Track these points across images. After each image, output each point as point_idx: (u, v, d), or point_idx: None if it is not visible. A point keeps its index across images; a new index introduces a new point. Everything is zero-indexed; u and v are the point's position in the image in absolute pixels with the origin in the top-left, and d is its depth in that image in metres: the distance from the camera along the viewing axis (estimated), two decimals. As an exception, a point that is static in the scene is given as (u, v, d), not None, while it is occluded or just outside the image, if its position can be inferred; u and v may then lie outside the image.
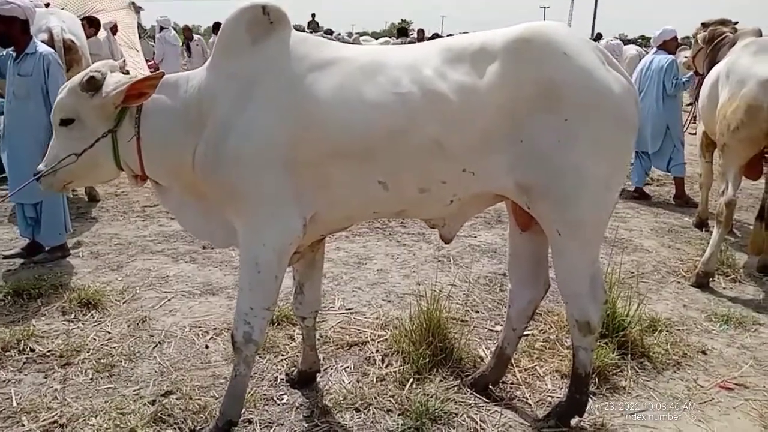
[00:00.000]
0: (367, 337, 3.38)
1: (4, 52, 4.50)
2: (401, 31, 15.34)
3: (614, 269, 3.59)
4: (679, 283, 4.38)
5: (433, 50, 2.33)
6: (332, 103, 2.23)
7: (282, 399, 2.82)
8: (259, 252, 2.34)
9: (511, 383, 2.96)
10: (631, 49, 12.80)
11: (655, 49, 6.94)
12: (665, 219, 6.07)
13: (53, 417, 2.62)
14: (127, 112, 2.34)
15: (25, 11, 4.23)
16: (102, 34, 9.10)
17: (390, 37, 20.15)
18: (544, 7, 71.76)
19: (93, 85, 2.29)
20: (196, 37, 13.31)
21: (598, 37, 18.75)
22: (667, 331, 3.51)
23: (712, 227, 4.60)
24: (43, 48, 4.36)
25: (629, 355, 3.15)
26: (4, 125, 4.47)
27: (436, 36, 13.85)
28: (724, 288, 4.30)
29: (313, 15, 21.37)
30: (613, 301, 3.31)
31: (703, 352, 3.34)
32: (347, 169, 2.28)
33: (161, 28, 13.17)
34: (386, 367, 3.08)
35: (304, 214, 2.34)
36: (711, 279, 4.33)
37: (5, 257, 4.51)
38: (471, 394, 2.85)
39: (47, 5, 7.91)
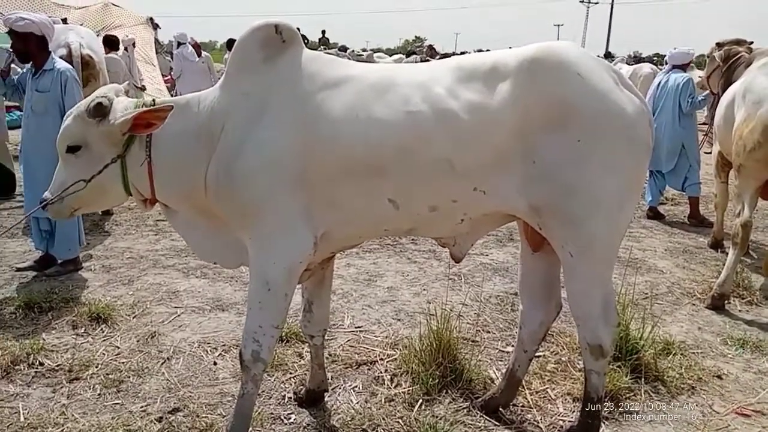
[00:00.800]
0: (376, 356, 3.35)
1: (24, 69, 4.57)
2: (410, 53, 15.41)
3: (628, 290, 3.54)
4: (693, 305, 4.31)
5: (445, 69, 2.33)
6: (343, 120, 2.23)
7: (289, 418, 2.79)
8: (269, 270, 2.33)
9: (522, 406, 2.91)
10: (646, 68, 12.74)
11: (669, 67, 6.89)
12: (680, 239, 6.00)
13: (60, 433, 2.61)
14: (136, 137, 2.34)
15: (41, 28, 4.29)
16: (121, 49, 9.26)
17: (403, 54, 20.26)
18: (558, 25, 72.07)
19: (100, 111, 2.30)
20: (203, 54, 13.34)
21: (607, 56, 18.76)
22: (681, 354, 3.45)
23: (728, 248, 4.54)
24: (61, 64, 4.42)
25: (643, 379, 3.08)
26: (22, 140, 4.53)
27: (445, 56, 13.85)
28: (739, 311, 4.22)
29: (323, 32, 21.53)
30: (626, 323, 3.26)
31: (719, 377, 3.27)
32: (357, 187, 2.27)
33: (179, 44, 13.30)
34: (395, 387, 3.04)
35: (314, 232, 2.34)
36: (726, 301, 4.25)
37: (18, 270, 4.55)
38: (481, 416, 2.80)
39: (64, 21, 8.07)
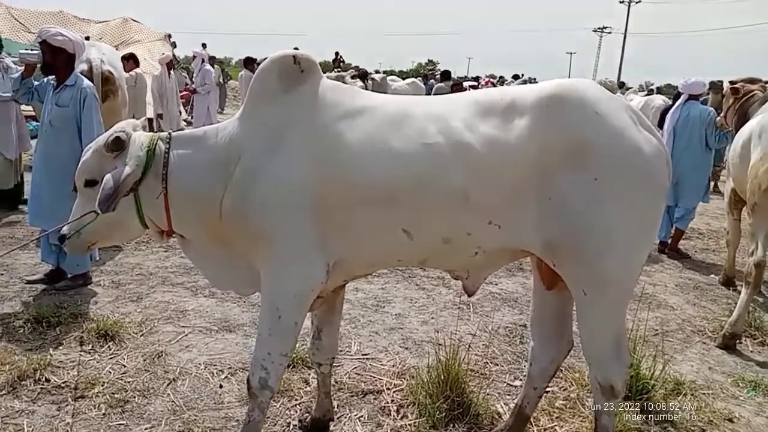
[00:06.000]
0: (382, 386, 3.32)
1: (45, 80, 4.62)
2: (444, 75, 15.18)
3: (638, 326, 3.50)
4: (704, 343, 4.26)
5: (463, 102, 2.34)
6: (359, 152, 2.24)
7: (294, 446, 2.76)
8: (280, 297, 2.32)
9: (530, 443, 2.87)
10: (658, 99, 12.68)
11: (686, 97, 6.57)
12: (690, 275, 5.95)
13: (64, 453, 2.60)
14: (151, 169, 2.36)
15: (74, 45, 4.37)
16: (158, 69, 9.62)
17: (416, 78, 20.42)
18: (571, 53, 72.44)
19: (118, 146, 2.33)
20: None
21: (620, 86, 18.76)
22: (692, 395, 3.40)
23: (740, 286, 4.49)
24: (82, 81, 4.46)
25: (653, 419, 3.04)
26: (36, 151, 4.56)
27: (458, 83, 13.64)
28: (751, 351, 4.17)
29: (337, 53, 21.82)
30: (637, 361, 3.22)
31: (730, 420, 3.21)
32: (372, 217, 2.27)
33: (202, 61, 13.39)
34: (401, 418, 3.01)
35: (327, 261, 2.33)
36: (738, 341, 4.20)
37: (28, 282, 4.56)
38: (487, 452, 2.77)
39: (87, 38, 8.21)
